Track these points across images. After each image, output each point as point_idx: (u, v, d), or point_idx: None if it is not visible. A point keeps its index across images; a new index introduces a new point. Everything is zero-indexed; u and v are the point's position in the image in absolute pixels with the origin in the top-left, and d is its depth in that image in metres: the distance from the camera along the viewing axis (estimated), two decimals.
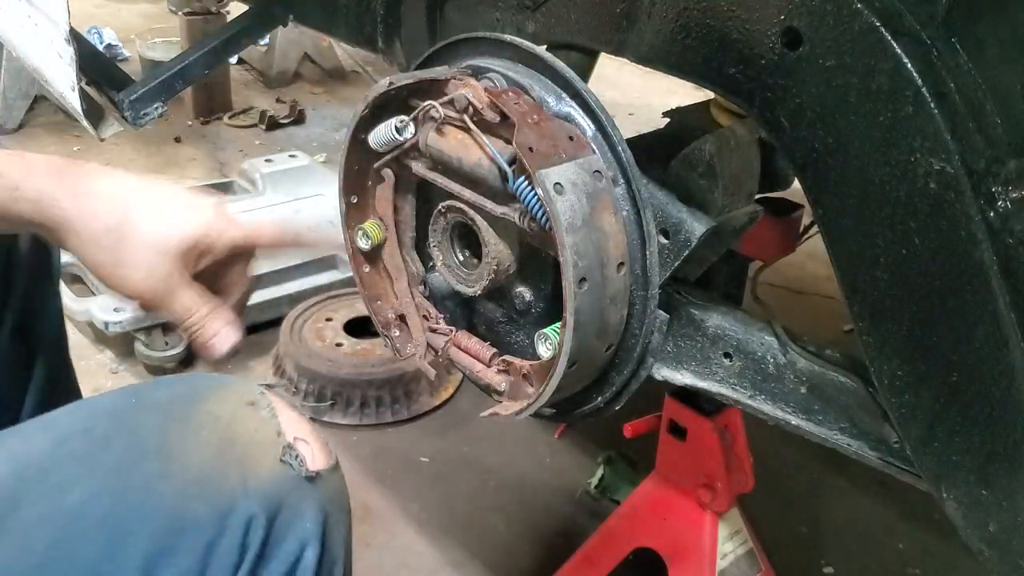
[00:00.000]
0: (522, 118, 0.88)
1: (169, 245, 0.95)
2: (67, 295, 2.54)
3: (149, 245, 0.95)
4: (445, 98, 0.95)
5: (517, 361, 1.02)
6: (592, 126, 0.94)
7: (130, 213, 0.96)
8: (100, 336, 2.56)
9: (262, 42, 4.60)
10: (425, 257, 1.15)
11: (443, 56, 1.06)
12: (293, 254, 2.90)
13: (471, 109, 0.92)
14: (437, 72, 0.98)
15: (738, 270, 1.41)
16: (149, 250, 0.95)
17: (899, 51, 0.70)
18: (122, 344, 2.56)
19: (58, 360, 1.17)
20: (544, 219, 0.87)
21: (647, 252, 0.94)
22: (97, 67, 1.74)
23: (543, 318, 1.05)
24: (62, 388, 1.19)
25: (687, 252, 0.94)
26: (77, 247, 0.95)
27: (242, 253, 1.05)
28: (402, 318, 1.15)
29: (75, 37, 1.47)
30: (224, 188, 3.43)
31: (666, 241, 0.95)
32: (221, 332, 1.02)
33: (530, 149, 0.86)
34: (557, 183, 0.86)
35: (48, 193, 0.93)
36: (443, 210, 1.03)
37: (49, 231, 0.94)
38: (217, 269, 1.03)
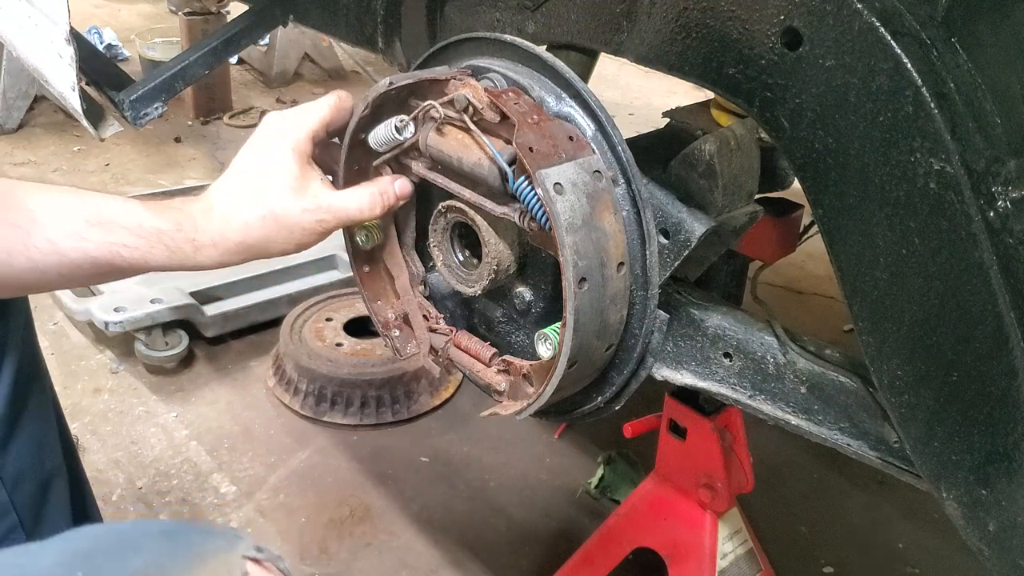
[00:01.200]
0: (522, 118, 0.88)
1: (283, 150, 0.96)
2: (67, 295, 2.54)
3: (269, 158, 0.96)
4: (445, 98, 0.95)
5: (517, 361, 1.03)
6: (592, 126, 0.94)
7: (234, 173, 0.98)
8: (100, 336, 2.56)
9: (262, 42, 4.60)
10: (425, 257, 1.15)
11: (443, 56, 1.06)
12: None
13: (471, 109, 0.92)
14: (437, 72, 0.98)
15: (738, 270, 1.41)
16: (273, 163, 0.96)
17: (899, 51, 0.70)
18: (122, 344, 2.56)
19: (28, 350, 1.15)
20: (544, 219, 0.87)
21: (647, 252, 0.94)
22: (97, 67, 1.74)
23: (543, 318, 1.05)
24: (32, 373, 1.16)
25: (687, 252, 0.94)
26: (223, 226, 0.95)
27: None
28: (403, 318, 1.15)
29: (75, 37, 1.47)
30: None
31: (666, 241, 0.95)
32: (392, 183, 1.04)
33: (530, 149, 0.86)
34: (557, 183, 0.86)
35: (172, 212, 0.96)
36: (443, 210, 1.03)
37: (187, 245, 0.95)
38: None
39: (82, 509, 1.31)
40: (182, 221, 0.95)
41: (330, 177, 1.02)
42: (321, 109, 0.99)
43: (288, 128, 0.97)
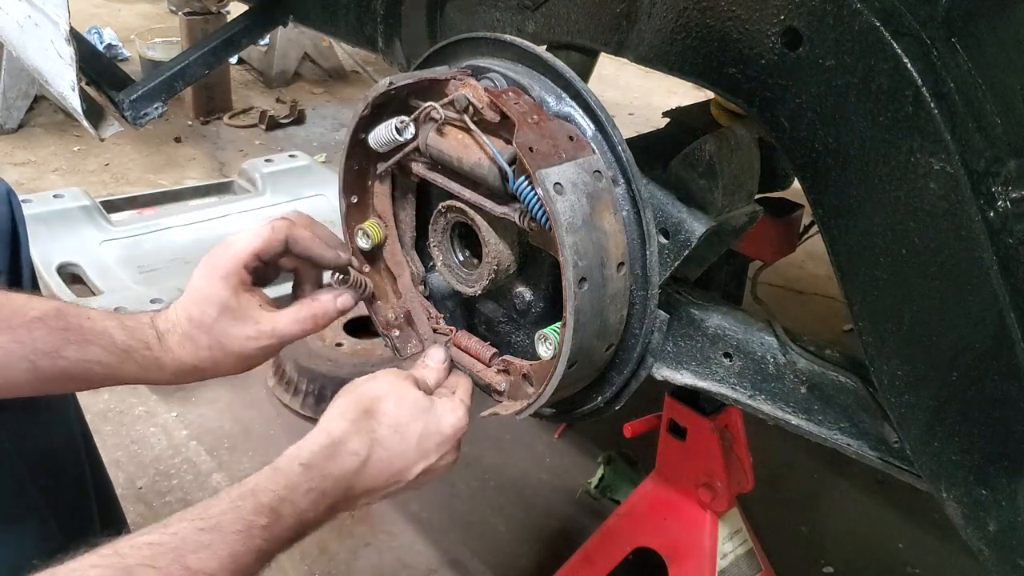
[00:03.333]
0: (522, 118, 0.88)
1: (212, 283, 1.00)
2: (67, 295, 2.54)
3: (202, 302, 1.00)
4: (446, 99, 0.95)
5: (517, 361, 1.03)
6: (592, 126, 0.94)
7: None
8: None
9: (262, 42, 4.60)
10: (425, 257, 1.15)
11: (443, 56, 1.06)
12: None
13: (471, 109, 0.92)
14: (437, 72, 0.98)
15: (738, 270, 1.41)
16: (206, 301, 1.00)
17: (899, 51, 0.70)
18: None
19: None
20: (544, 219, 0.87)
21: (647, 252, 0.94)
22: (97, 67, 1.74)
23: (543, 318, 1.05)
24: None
25: (687, 252, 0.94)
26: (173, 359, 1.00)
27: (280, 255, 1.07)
28: (403, 317, 1.15)
29: (75, 37, 1.47)
30: (224, 188, 3.44)
31: (666, 241, 0.95)
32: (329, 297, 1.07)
33: (530, 149, 0.86)
34: (557, 183, 0.86)
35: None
36: (443, 210, 1.03)
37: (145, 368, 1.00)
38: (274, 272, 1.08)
39: (106, 502, 1.32)
40: (150, 342, 1.00)
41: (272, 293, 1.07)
42: (252, 240, 1.02)
43: (220, 261, 1.00)
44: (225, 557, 0.77)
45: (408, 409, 0.94)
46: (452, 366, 1.08)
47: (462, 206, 0.99)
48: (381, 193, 1.12)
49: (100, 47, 4.66)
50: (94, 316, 0.99)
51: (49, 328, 0.95)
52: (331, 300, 1.06)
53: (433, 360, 1.06)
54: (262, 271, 1.05)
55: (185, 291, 1.01)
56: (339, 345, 2.45)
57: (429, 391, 1.01)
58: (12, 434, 1.08)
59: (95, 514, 1.26)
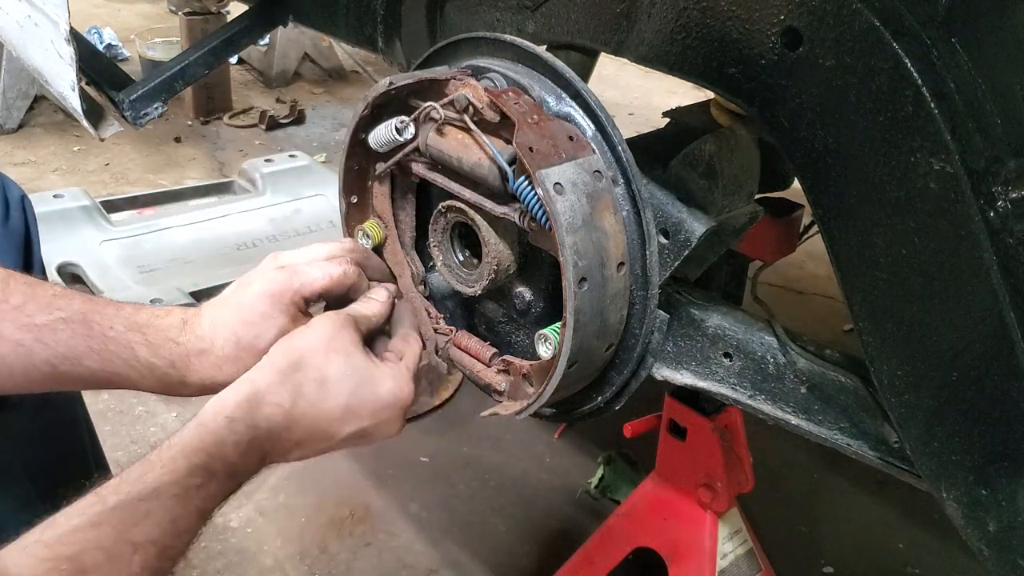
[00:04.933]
0: (522, 118, 0.88)
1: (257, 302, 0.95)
2: None
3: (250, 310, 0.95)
4: (446, 99, 0.95)
5: (517, 361, 1.03)
6: (592, 126, 0.94)
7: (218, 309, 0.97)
8: None
9: (262, 42, 4.61)
10: (425, 257, 1.15)
11: (443, 56, 1.06)
12: None
13: (471, 109, 0.92)
14: (437, 72, 0.98)
15: (738, 270, 1.41)
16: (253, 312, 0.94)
17: (899, 51, 0.70)
18: None
19: None
20: (544, 219, 0.87)
21: (647, 252, 0.94)
22: (97, 67, 1.74)
23: (543, 318, 1.05)
24: None
25: (687, 252, 0.94)
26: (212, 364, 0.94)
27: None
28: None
29: (75, 37, 1.47)
30: (224, 188, 3.44)
31: (666, 241, 0.95)
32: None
33: (530, 149, 0.86)
34: (557, 183, 0.86)
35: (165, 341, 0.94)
36: (443, 210, 1.03)
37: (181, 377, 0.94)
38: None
39: None
40: (176, 361, 0.94)
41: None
42: (321, 280, 0.97)
43: (282, 289, 0.95)
44: (166, 523, 0.78)
45: (339, 365, 0.90)
46: (396, 309, 1.04)
47: (462, 206, 0.99)
48: (381, 193, 1.12)
49: (100, 47, 4.67)
50: (119, 327, 0.93)
51: (73, 333, 0.91)
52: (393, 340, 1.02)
53: (377, 295, 1.02)
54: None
55: (229, 308, 0.95)
56: None
57: (370, 326, 0.98)
58: (17, 441, 1.07)
59: None
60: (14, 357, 0.89)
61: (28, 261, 1.17)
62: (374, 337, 1.01)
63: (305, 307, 0.97)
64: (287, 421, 0.87)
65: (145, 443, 2.24)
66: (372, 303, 1.00)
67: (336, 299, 1.00)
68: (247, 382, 0.88)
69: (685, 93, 4.40)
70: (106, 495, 0.77)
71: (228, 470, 0.83)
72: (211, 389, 0.93)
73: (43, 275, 1.22)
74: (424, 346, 1.04)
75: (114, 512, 0.76)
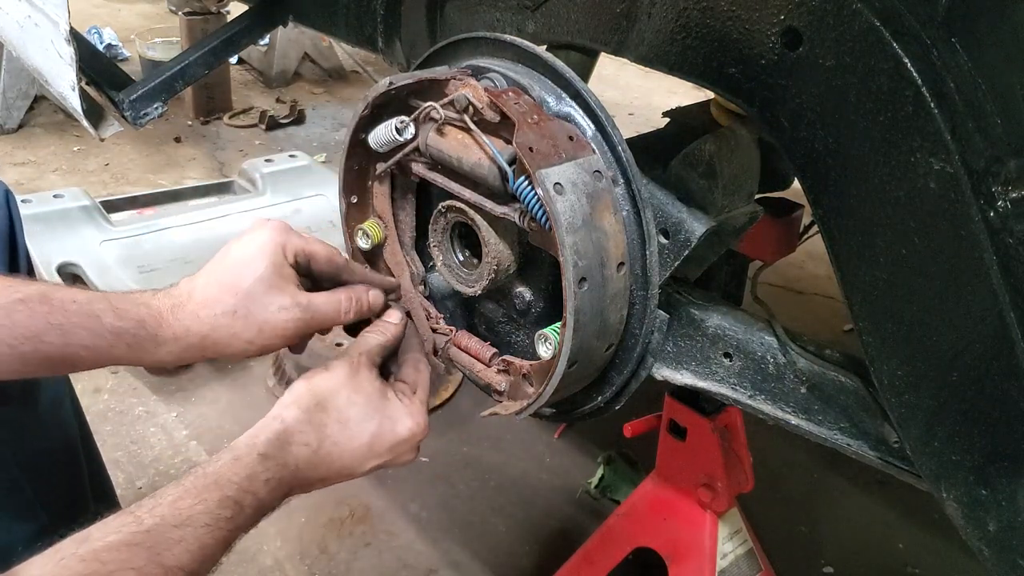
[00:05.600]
0: (522, 118, 0.88)
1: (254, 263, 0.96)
2: None
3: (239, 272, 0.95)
4: (446, 99, 0.95)
5: (517, 361, 1.02)
6: (592, 126, 0.94)
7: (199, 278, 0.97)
8: None
9: (262, 42, 4.61)
10: (425, 257, 1.15)
11: (443, 56, 1.06)
12: None
13: (471, 109, 0.92)
14: (437, 72, 0.98)
15: (738, 270, 1.41)
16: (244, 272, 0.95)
17: (899, 51, 0.70)
18: None
19: None
20: (544, 219, 0.87)
21: (647, 252, 0.94)
22: (97, 67, 1.74)
23: (543, 318, 1.05)
24: None
25: (687, 252, 0.94)
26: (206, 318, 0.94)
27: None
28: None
29: (75, 37, 1.47)
30: (224, 188, 3.44)
31: (666, 241, 0.95)
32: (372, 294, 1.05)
33: (530, 149, 0.86)
34: (557, 183, 0.86)
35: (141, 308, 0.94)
36: (443, 210, 1.03)
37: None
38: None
39: (107, 503, 1.32)
40: (146, 319, 0.94)
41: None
42: (307, 238, 1.00)
43: (262, 239, 0.97)
44: (196, 551, 0.80)
45: (360, 407, 0.94)
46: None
47: (462, 206, 0.99)
48: (381, 193, 1.12)
49: (100, 47, 4.67)
50: (81, 299, 0.93)
51: (31, 311, 0.90)
52: (364, 291, 1.04)
53: (392, 318, 1.05)
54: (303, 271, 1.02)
55: (208, 264, 0.97)
56: (339, 345, 2.44)
57: (385, 354, 1.01)
58: (7, 433, 1.07)
59: (93, 515, 1.26)
60: None
61: (13, 260, 1.17)
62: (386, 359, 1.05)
63: (290, 260, 0.98)
64: (314, 460, 0.91)
65: (145, 443, 2.24)
66: (388, 327, 1.04)
67: (327, 277, 1.02)
68: (277, 420, 0.91)
69: (685, 93, 4.40)
70: (142, 516, 0.79)
71: (256, 504, 0.86)
72: (187, 345, 0.94)
73: (29, 267, 1.22)
74: (430, 369, 1.07)
75: (148, 535, 0.78)
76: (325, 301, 0.99)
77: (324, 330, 1.04)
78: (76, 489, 1.28)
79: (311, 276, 1.02)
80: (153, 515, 0.79)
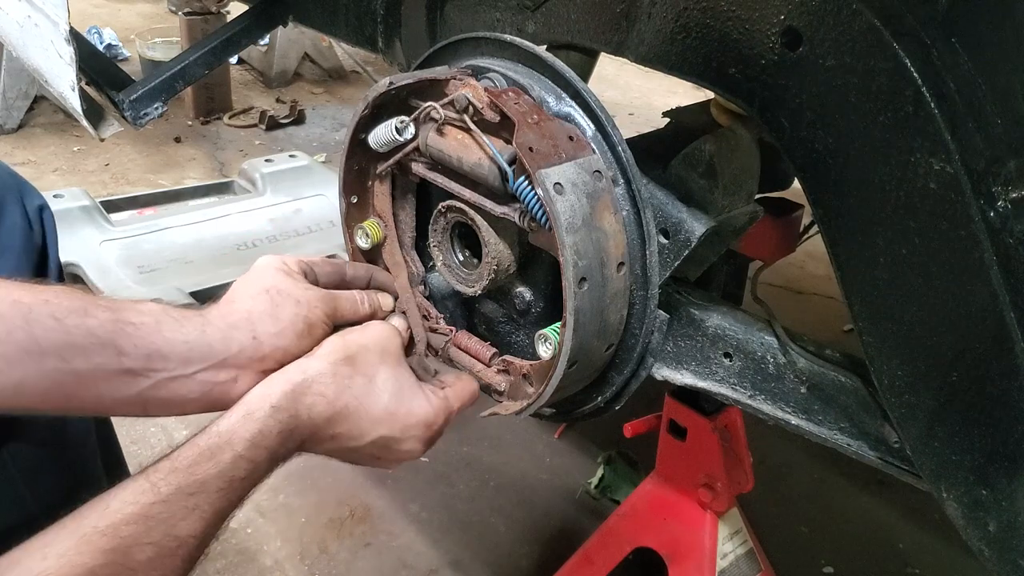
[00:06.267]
0: (522, 118, 0.88)
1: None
2: None
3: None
4: (446, 99, 0.95)
5: (517, 361, 1.03)
6: (592, 126, 0.94)
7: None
8: None
9: (262, 42, 4.61)
10: (425, 257, 1.15)
11: (443, 56, 1.06)
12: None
13: (471, 109, 0.92)
14: (437, 72, 0.98)
15: (738, 270, 1.41)
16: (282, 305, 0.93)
17: (899, 51, 0.70)
18: None
19: None
20: (544, 219, 0.87)
21: (647, 252, 0.94)
22: (97, 67, 1.74)
23: (543, 318, 1.05)
24: None
25: (687, 252, 0.94)
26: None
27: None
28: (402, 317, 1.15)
29: (75, 37, 1.47)
30: (224, 188, 3.44)
31: (666, 241, 0.95)
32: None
33: (530, 149, 0.86)
34: (557, 183, 0.86)
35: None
36: (443, 210, 1.03)
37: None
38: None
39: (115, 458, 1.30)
40: (186, 306, 0.92)
41: None
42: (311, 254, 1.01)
43: (266, 259, 0.97)
44: (210, 517, 0.80)
45: (389, 369, 0.93)
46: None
47: (462, 206, 0.99)
48: (381, 193, 1.12)
49: (100, 47, 4.66)
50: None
51: (73, 291, 0.85)
52: (375, 293, 1.05)
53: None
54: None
55: (220, 303, 0.93)
56: None
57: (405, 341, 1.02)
58: (28, 472, 1.04)
59: None
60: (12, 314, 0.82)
61: (42, 274, 1.16)
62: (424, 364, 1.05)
63: (298, 270, 0.97)
64: (329, 412, 0.88)
65: (145, 443, 2.24)
66: (398, 320, 1.05)
67: (333, 285, 1.02)
68: (298, 370, 0.88)
69: (685, 93, 4.40)
70: (159, 483, 0.78)
71: (270, 456, 0.84)
72: (233, 324, 0.90)
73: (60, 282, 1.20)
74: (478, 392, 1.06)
75: (165, 504, 0.77)
76: (341, 293, 0.99)
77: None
78: None
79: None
80: (169, 483, 0.78)
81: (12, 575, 0.72)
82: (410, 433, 0.95)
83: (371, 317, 1.03)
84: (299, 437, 0.87)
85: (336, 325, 0.98)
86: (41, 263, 1.15)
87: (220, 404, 0.88)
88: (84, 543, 0.73)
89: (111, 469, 1.25)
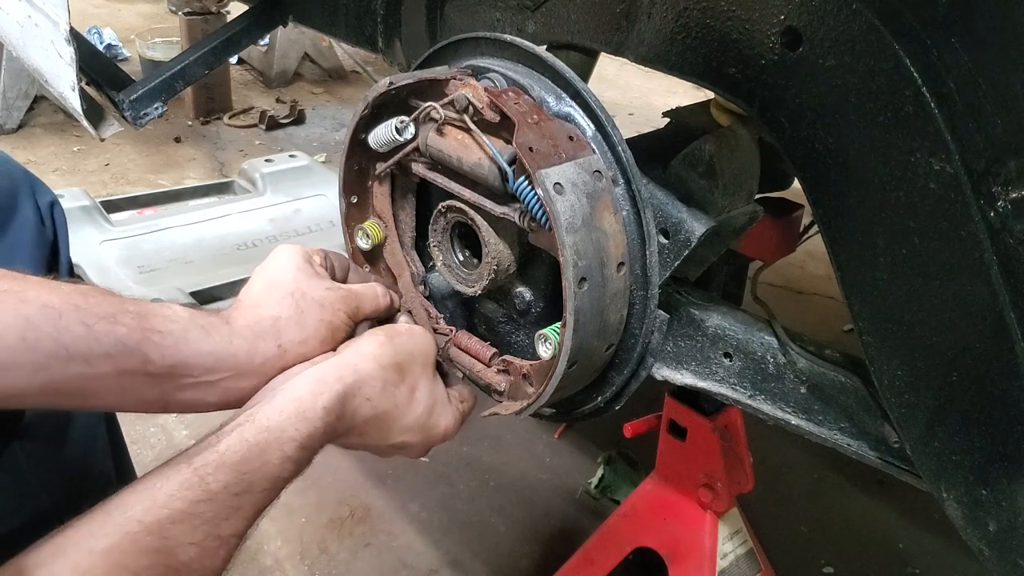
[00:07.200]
0: (522, 118, 0.88)
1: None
2: None
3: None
4: (446, 99, 0.95)
5: (517, 361, 1.03)
6: (592, 126, 0.94)
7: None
8: None
9: (262, 42, 4.61)
10: (425, 257, 1.15)
11: (443, 56, 1.06)
12: None
13: (471, 109, 0.92)
14: (437, 72, 0.98)
15: (738, 270, 1.41)
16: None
17: (899, 51, 0.70)
18: None
19: None
20: (544, 219, 0.87)
21: (647, 252, 0.94)
22: (97, 67, 1.74)
23: (543, 318, 1.05)
24: None
25: (687, 252, 0.94)
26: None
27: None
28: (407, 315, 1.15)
29: (75, 37, 1.47)
30: (224, 188, 3.44)
31: (666, 241, 0.95)
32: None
33: (530, 149, 0.86)
34: (557, 183, 0.86)
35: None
36: (443, 210, 1.03)
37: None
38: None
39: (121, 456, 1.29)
40: (213, 311, 0.92)
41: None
42: (315, 251, 1.00)
43: (286, 247, 0.97)
44: (251, 515, 0.79)
45: (428, 382, 0.95)
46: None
47: (462, 206, 0.99)
48: (381, 193, 1.12)
49: (100, 47, 4.66)
50: (183, 314, 0.90)
51: (105, 296, 0.85)
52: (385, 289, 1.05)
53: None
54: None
55: (251, 277, 0.95)
56: None
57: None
58: (34, 466, 1.04)
59: None
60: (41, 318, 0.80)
61: (54, 268, 1.16)
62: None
63: (320, 262, 0.98)
64: (370, 415, 0.89)
65: (145, 443, 2.24)
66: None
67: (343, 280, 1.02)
68: (351, 369, 0.88)
69: (685, 93, 4.40)
70: (207, 478, 0.77)
71: (309, 458, 0.84)
72: (262, 332, 0.90)
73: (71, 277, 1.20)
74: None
75: (212, 503, 0.76)
76: (361, 290, 0.99)
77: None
78: None
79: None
80: (217, 480, 0.77)
81: (57, 565, 0.71)
82: (428, 442, 0.97)
83: (390, 310, 1.03)
84: (335, 435, 0.87)
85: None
86: (53, 258, 1.15)
87: (238, 404, 0.89)
88: (130, 542, 0.72)
89: (120, 473, 1.25)
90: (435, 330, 1.13)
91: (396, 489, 2.16)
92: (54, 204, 1.16)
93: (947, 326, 0.74)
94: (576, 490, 2.19)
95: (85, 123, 1.66)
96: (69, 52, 1.46)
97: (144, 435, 2.28)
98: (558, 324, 0.92)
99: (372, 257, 1.15)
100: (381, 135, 1.01)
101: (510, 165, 0.90)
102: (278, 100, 4.54)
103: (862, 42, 0.72)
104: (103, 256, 2.81)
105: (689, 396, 1.43)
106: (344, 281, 1.03)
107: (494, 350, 1.07)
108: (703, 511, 1.48)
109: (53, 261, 1.15)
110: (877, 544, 2.13)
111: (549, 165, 0.86)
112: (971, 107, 0.71)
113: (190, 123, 4.21)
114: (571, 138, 0.91)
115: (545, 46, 1.05)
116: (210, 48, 1.83)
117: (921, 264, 0.74)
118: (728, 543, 1.51)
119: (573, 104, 0.94)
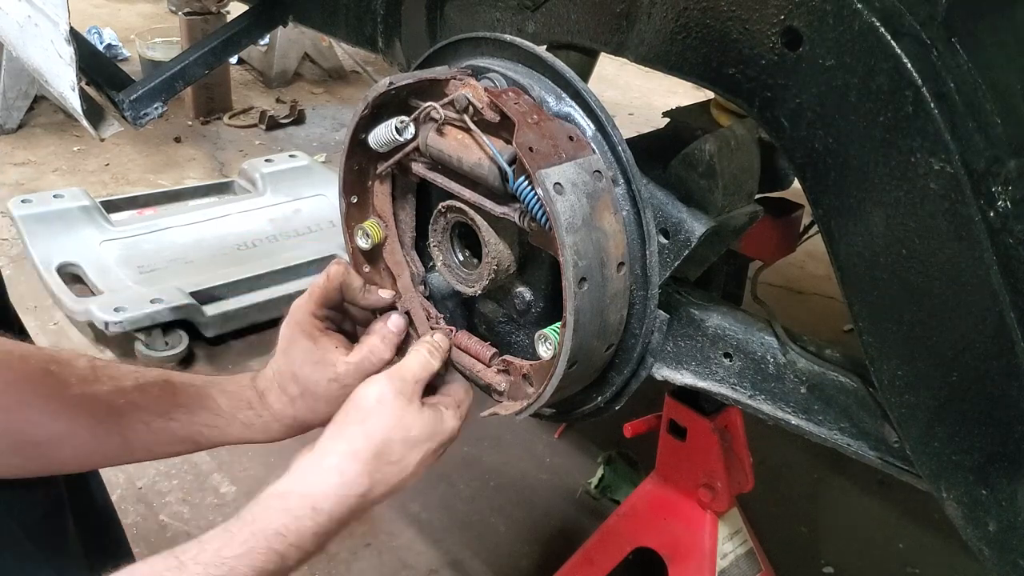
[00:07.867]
0: (522, 118, 0.88)
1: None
2: (67, 295, 2.54)
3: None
4: (446, 99, 0.95)
5: (517, 361, 1.03)
6: (592, 126, 0.94)
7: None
8: (100, 336, 2.56)
9: (262, 42, 4.60)
10: (425, 257, 1.15)
11: (443, 56, 1.06)
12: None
13: (471, 109, 0.92)
14: (437, 72, 0.98)
15: (738, 270, 1.41)
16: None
17: (899, 51, 0.70)
18: (122, 344, 2.56)
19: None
20: (544, 219, 0.87)
21: (647, 252, 0.94)
22: (97, 67, 1.74)
23: (543, 318, 1.05)
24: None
25: (687, 252, 0.94)
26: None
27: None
28: (405, 317, 1.15)
29: (75, 37, 1.47)
30: (224, 188, 3.44)
31: (666, 241, 0.95)
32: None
33: (530, 149, 0.86)
34: (557, 183, 0.86)
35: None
36: (443, 210, 1.03)
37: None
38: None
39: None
40: (252, 401, 1.07)
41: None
42: (312, 291, 1.07)
43: (295, 314, 1.07)
44: None
45: (413, 445, 0.97)
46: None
47: (462, 206, 0.99)
48: (381, 193, 1.12)
49: (100, 47, 4.66)
50: (197, 383, 1.06)
51: (162, 391, 1.03)
52: (383, 324, 1.09)
53: (440, 342, 1.07)
54: (336, 317, 1.10)
55: (277, 349, 1.08)
56: None
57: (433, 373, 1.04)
58: (10, 506, 1.05)
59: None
60: (110, 422, 0.99)
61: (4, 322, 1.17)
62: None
63: (322, 323, 1.07)
64: (363, 502, 0.94)
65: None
66: (438, 349, 1.05)
67: (337, 303, 1.09)
68: (336, 472, 0.92)
69: (685, 93, 4.40)
70: (186, 561, 0.81)
71: (300, 557, 0.88)
72: (290, 427, 1.07)
73: (14, 313, 1.22)
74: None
75: None
76: (361, 359, 1.04)
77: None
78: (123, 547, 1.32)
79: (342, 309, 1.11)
80: (196, 560, 0.81)
81: None
82: (444, 446, 1.01)
83: (393, 351, 1.07)
84: (331, 535, 0.93)
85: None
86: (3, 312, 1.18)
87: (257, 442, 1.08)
88: None
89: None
90: (435, 330, 1.13)
91: None
92: None
93: (947, 326, 0.74)
94: (576, 490, 2.19)
95: (85, 123, 1.66)
96: (69, 52, 1.46)
97: None
98: (558, 324, 0.92)
99: (372, 257, 1.15)
100: (381, 135, 1.01)
101: (510, 165, 0.90)
102: (278, 100, 4.54)
103: (862, 42, 0.72)
104: (103, 256, 2.81)
105: (689, 396, 1.43)
106: (348, 296, 1.08)
107: (494, 350, 1.07)
108: (703, 511, 1.48)
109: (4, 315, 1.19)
110: (877, 544, 2.13)
111: (549, 165, 0.86)
112: (971, 107, 0.71)
113: (190, 123, 4.21)
114: (571, 138, 0.91)
115: (545, 46, 1.05)
116: (210, 48, 1.83)
117: (921, 264, 0.74)
118: (728, 543, 1.51)
119: (573, 104, 0.94)
